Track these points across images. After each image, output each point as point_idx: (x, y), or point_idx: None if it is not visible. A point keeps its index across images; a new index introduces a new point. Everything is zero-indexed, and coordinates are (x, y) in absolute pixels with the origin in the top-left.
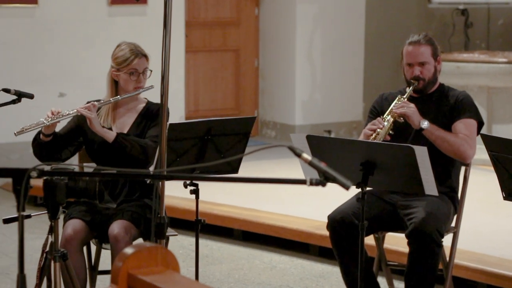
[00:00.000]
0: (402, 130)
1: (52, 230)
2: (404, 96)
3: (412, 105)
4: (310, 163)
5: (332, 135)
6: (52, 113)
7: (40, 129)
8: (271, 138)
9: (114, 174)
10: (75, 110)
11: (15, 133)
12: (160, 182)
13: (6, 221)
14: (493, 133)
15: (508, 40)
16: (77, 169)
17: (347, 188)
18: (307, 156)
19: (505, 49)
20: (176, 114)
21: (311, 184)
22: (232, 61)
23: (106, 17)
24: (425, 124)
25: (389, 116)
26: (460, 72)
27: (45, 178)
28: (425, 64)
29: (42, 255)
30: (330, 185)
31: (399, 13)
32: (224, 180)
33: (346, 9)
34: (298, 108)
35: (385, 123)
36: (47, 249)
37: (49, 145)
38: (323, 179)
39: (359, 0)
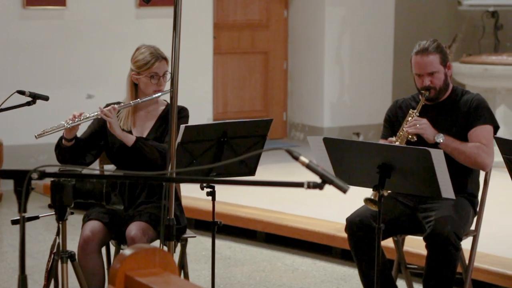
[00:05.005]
0: (418, 144)
1: (59, 231)
2: (415, 111)
3: (424, 120)
4: (308, 166)
5: (361, 138)
6: (74, 117)
7: (62, 134)
8: (300, 140)
9: (121, 176)
10: (96, 113)
11: (35, 136)
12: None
13: (14, 222)
14: None
15: None
16: (85, 171)
17: (344, 191)
18: (304, 159)
19: None
20: (204, 115)
21: (309, 187)
22: (260, 63)
23: (134, 19)
24: (440, 138)
25: (402, 135)
26: (488, 74)
27: (52, 179)
28: (435, 73)
29: (50, 256)
30: (353, 188)
31: (429, 15)
32: (222, 183)
33: (375, 11)
34: (327, 110)
35: (397, 143)
36: (55, 250)
37: (71, 150)
38: (321, 182)
39: (388, 2)
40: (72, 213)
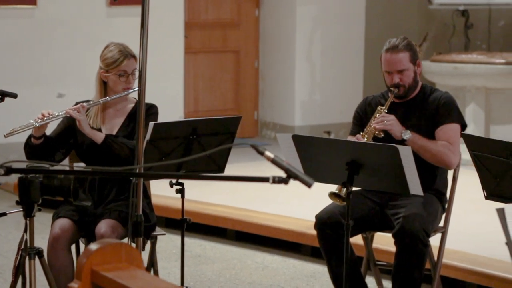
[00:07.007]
0: (385, 140)
1: (27, 227)
2: (384, 107)
3: (392, 117)
4: (273, 161)
5: (332, 136)
6: (43, 115)
7: (30, 132)
8: (271, 139)
9: (89, 172)
10: (64, 112)
11: (4, 135)
12: (137, 181)
13: None
14: (491, 134)
15: (509, 41)
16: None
17: (309, 186)
18: (270, 154)
19: (506, 50)
20: (175, 114)
21: (274, 182)
22: (232, 62)
23: (104, 18)
24: (407, 135)
25: (369, 131)
26: (458, 73)
27: (20, 176)
28: (404, 71)
29: (18, 252)
30: (323, 185)
31: (400, 14)
32: (190, 178)
33: (346, 10)
34: (298, 109)
35: (365, 139)
36: (23, 246)
37: (40, 148)
38: (286, 177)
39: (359, 1)
40: (39, 210)
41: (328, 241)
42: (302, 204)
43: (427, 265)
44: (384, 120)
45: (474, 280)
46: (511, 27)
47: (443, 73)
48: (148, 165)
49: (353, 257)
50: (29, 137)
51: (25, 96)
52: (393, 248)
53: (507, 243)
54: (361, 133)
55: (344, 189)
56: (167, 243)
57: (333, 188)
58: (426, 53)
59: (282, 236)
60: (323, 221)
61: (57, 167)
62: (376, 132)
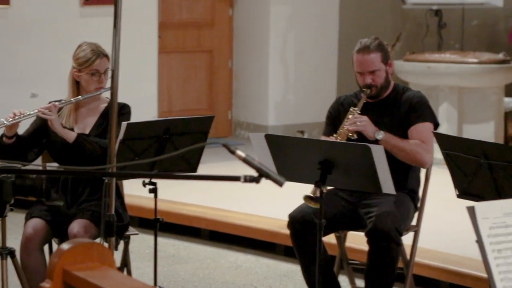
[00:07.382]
0: (358, 141)
1: None
2: (356, 108)
3: (364, 118)
4: (244, 160)
5: (306, 136)
6: (14, 114)
7: (2, 132)
8: (244, 138)
9: (61, 172)
10: (36, 111)
11: None
12: (110, 181)
13: None
14: (464, 133)
15: (482, 41)
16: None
17: (280, 184)
18: (241, 153)
19: (479, 49)
20: (149, 114)
21: (245, 181)
22: (206, 62)
23: (78, 18)
24: (380, 135)
25: (342, 133)
26: (431, 72)
27: None
28: (376, 72)
29: None
30: (296, 184)
31: (373, 14)
32: (161, 177)
33: (319, 9)
34: (271, 109)
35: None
36: None
37: (13, 147)
38: (257, 176)
39: (333, 1)
40: (12, 210)
41: (301, 240)
42: (276, 204)
43: (400, 264)
44: (356, 121)
45: (446, 278)
46: (484, 26)
47: (417, 73)
48: (120, 165)
49: (326, 256)
50: (1, 136)
51: None
52: (366, 247)
53: (477, 241)
54: (334, 135)
55: (318, 192)
56: (140, 243)
57: (307, 189)
58: (399, 52)
59: (256, 235)
60: (296, 220)
61: (30, 167)
62: (349, 134)
